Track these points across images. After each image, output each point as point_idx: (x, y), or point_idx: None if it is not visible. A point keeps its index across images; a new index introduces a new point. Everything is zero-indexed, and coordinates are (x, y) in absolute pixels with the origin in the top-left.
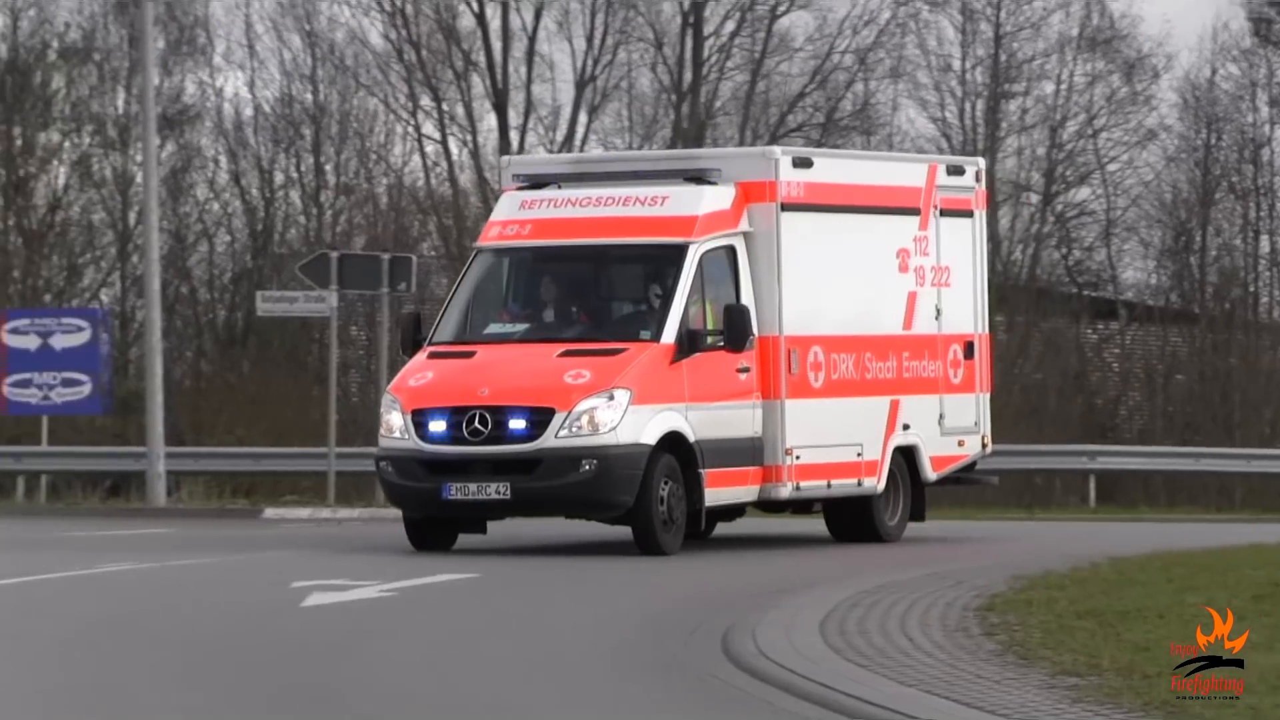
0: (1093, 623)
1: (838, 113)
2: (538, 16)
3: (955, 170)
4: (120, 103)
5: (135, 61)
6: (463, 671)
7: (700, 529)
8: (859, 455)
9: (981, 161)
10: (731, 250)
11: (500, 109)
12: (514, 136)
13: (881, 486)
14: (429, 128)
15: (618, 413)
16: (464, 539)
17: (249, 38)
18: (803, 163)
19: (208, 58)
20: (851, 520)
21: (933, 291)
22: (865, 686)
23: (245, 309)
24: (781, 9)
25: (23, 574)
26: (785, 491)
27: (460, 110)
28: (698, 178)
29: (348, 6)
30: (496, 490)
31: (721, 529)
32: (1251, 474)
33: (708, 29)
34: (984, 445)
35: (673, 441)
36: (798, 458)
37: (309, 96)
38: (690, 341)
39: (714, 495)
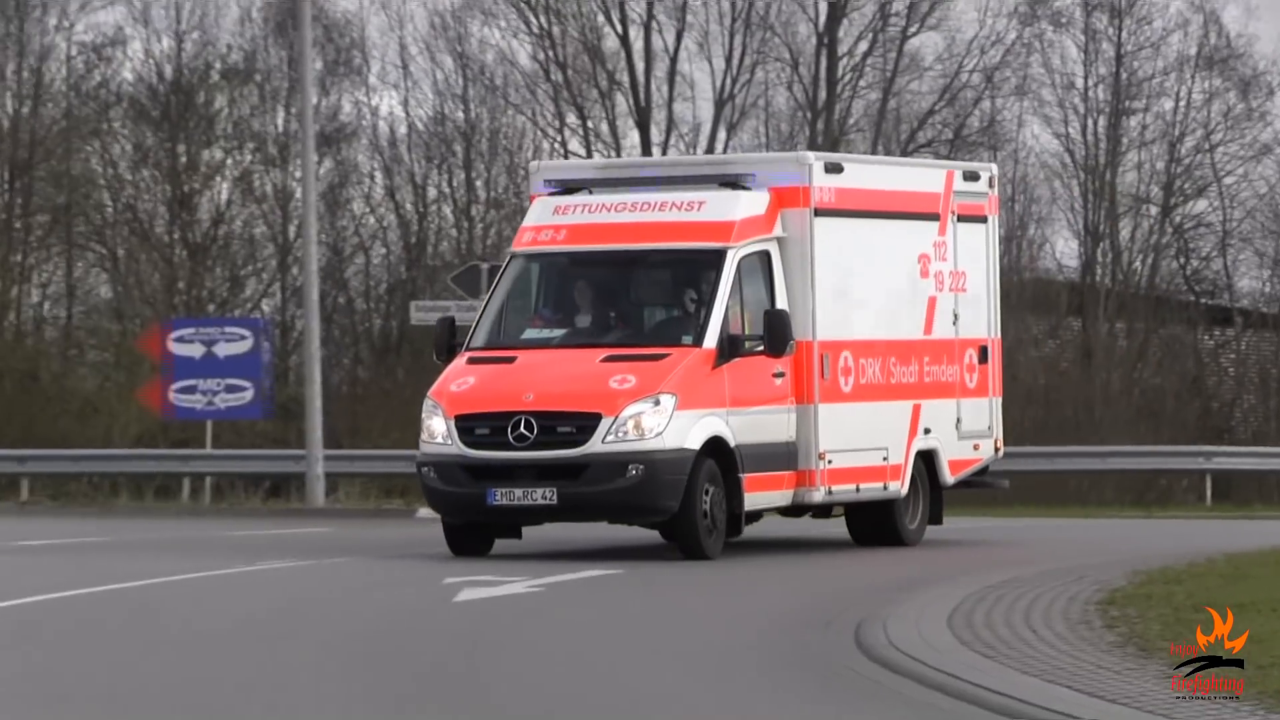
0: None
1: (965, 129)
2: (679, 38)
3: (971, 176)
4: (280, 121)
5: (294, 82)
6: (608, 663)
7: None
8: (885, 459)
9: (994, 168)
10: (766, 255)
11: (643, 126)
12: (655, 153)
13: (905, 490)
14: (575, 144)
15: (664, 418)
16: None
17: (403, 59)
18: (834, 168)
19: (364, 78)
20: (873, 523)
21: (950, 296)
22: (991, 676)
23: (399, 318)
24: (912, 30)
25: (188, 571)
26: (818, 496)
27: (605, 128)
28: (732, 183)
29: (498, 29)
30: (543, 495)
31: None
32: None
33: (841, 49)
34: (996, 449)
35: (714, 446)
36: (830, 462)
37: (460, 115)
38: (731, 346)
39: (752, 500)
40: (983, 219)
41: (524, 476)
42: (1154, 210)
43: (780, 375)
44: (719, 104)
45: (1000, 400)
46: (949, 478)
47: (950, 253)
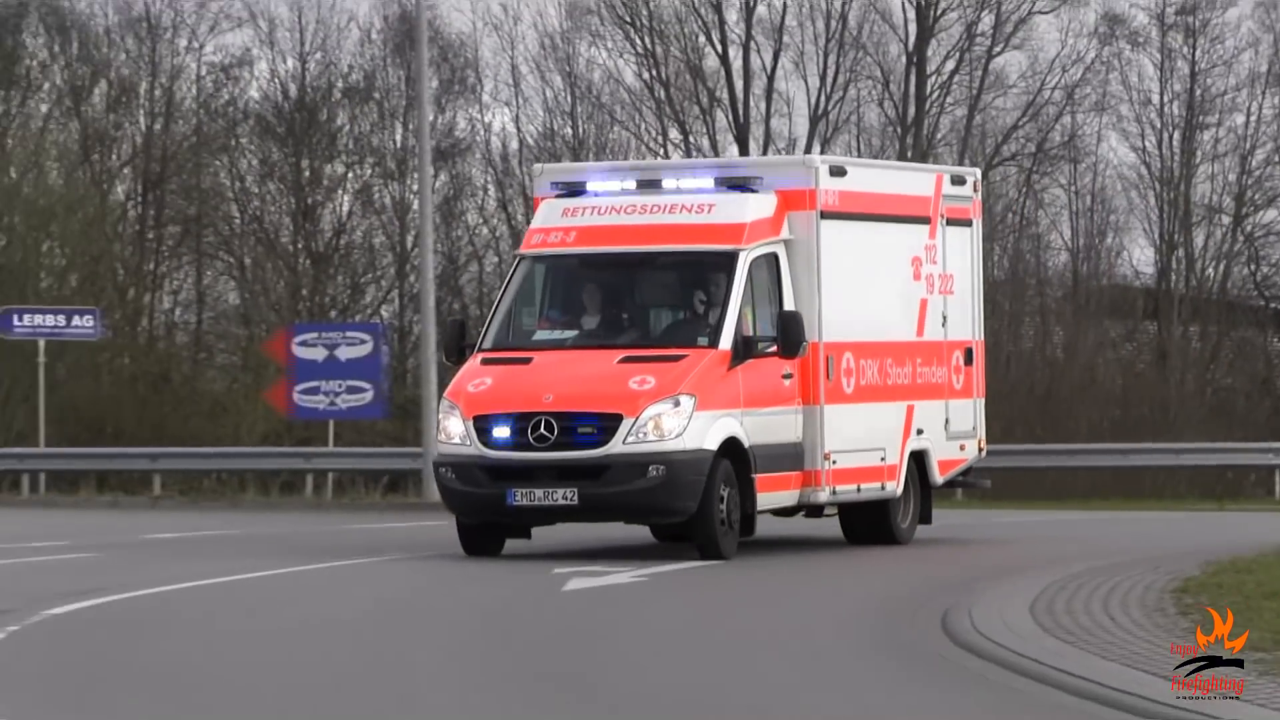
0: (1278, 603)
1: (1047, 143)
2: (776, 57)
3: (958, 180)
4: (398, 137)
5: (412, 100)
6: (708, 647)
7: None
8: (882, 460)
9: (978, 172)
10: (774, 258)
11: (741, 141)
12: None
13: (900, 490)
14: (677, 158)
15: (683, 419)
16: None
17: (514, 78)
18: (838, 171)
19: (477, 96)
20: (867, 523)
21: (940, 299)
22: (1072, 661)
23: None
24: (997, 49)
25: (311, 562)
26: (823, 496)
27: (705, 142)
28: (740, 185)
29: (604, 49)
30: (564, 496)
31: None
32: None
33: (930, 67)
34: (980, 449)
35: (729, 447)
36: (834, 462)
37: (569, 130)
38: (745, 348)
39: (763, 500)
40: (968, 222)
41: (544, 477)
42: (1226, 220)
43: (789, 376)
44: (814, 120)
45: (984, 401)
46: (938, 478)
47: (940, 255)
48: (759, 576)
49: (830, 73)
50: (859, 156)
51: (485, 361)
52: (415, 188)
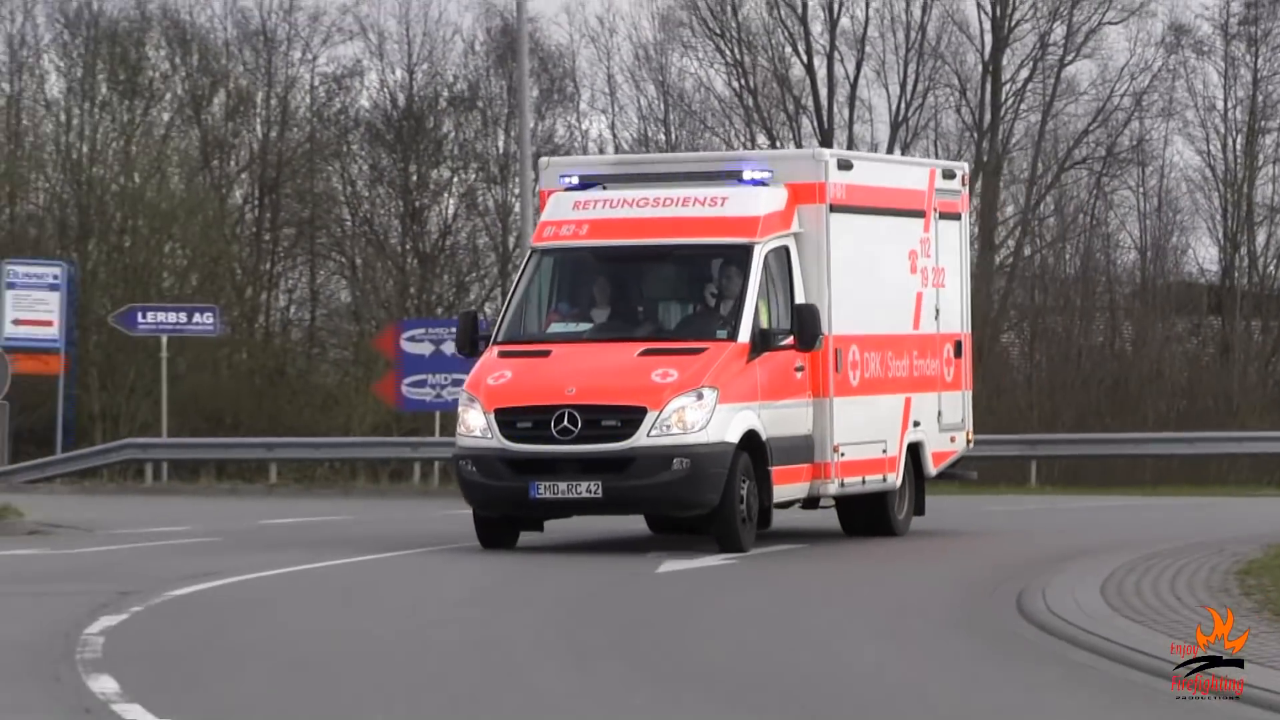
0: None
1: (1116, 147)
2: (858, 66)
3: (949, 174)
4: (500, 143)
5: (513, 108)
6: (796, 624)
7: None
8: (884, 451)
9: (966, 166)
10: (786, 251)
11: (825, 146)
12: None
13: (899, 481)
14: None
15: (706, 412)
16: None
17: (610, 87)
18: (845, 165)
19: (575, 104)
20: (866, 515)
21: (934, 292)
22: (1140, 639)
23: None
24: (1069, 58)
25: (419, 546)
26: (833, 488)
27: (791, 148)
28: (751, 179)
29: (695, 60)
30: (588, 489)
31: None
32: None
33: (1005, 76)
34: (968, 440)
35: (747, 440)
36: (842, 454)
37: (661, 136)
38: (763, 341)
39: (778, 492)
40: (957, 216)
41: (568, 470)
42: None
43: (801, 369)
44: (894, 125)
45: (971, 393)
46: (932, 469)
47: (934, 249)
48: (838, 562)
49: (910, 81)
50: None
51: (503, 354)
52: (516, 191)
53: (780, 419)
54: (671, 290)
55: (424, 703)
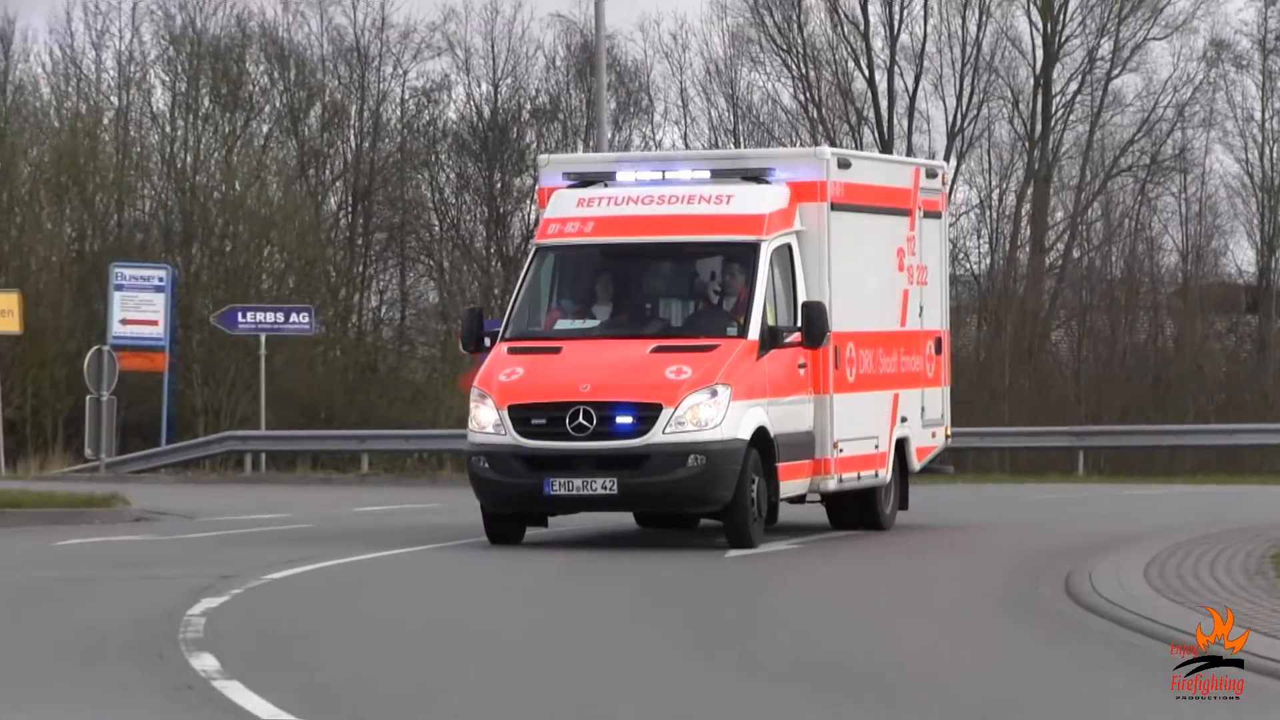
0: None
1: (1160, 155)
2: (917, 80)
3: (931, 174)
4: (580, 153)
5: (592, 120)
6: (854, 604)
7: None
8: (876, 447)
9: (947, 165)
10: (789, 249)
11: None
12: None
13: (889, 477)
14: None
15: (720, 409)
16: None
17: (683, 99)
18: (844, 164)
19: (649, 116)
20: (855, 510)
21: (918, 289)
22: (1182, 619)
23: None
24: (1116, 72)
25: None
26: (832, 484)
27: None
28: (755, 177)
29: (763, 74)
30: (603, 486)
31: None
32: None
33: (1055, 88)
34: (947, 436)
35: (757, 436)
36: (841, 450)
37: (731, 146)
38: (771, 338)
39: (784, 488)
40: (938, 214)
41: (583, 466)
42: None
43: (803, 366)
44: (950, 135)
45: (949, 389)
46: (916, 464)
47: (918, 246)
48: (905, 547)
49: (966, 93)
50: (992, 167)
51: (512, 350)
52: None
53: (786, 415)
54: (679, 287)
55: (502, 681)
